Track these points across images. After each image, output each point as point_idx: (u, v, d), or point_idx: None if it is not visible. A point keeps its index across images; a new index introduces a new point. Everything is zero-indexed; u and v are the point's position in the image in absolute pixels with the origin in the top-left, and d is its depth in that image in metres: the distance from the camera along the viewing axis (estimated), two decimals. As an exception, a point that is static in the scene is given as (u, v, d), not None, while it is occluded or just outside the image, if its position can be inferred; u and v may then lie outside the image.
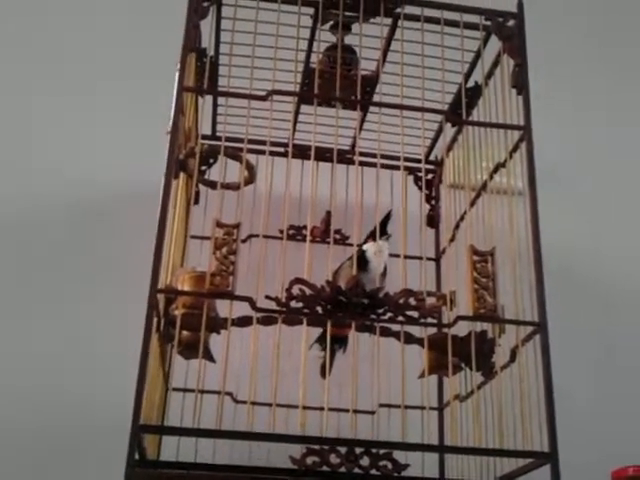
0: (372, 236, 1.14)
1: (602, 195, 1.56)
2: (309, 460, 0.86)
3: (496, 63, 1.12)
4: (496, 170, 1.12)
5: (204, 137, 1.30)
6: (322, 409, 0.91)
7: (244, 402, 0.95)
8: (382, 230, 1.13)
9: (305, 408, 0.93)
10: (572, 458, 0.93)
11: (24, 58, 1.51)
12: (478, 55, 1.14)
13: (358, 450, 0.87)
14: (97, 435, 1.20)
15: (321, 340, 1.11)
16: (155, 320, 0.91)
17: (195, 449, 1.05)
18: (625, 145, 1.61)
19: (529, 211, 1.02)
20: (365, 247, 1.16)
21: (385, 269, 1.16)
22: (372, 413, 1.12)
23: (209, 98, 1.25)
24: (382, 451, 0.88)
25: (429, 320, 0.96)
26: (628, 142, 1.62)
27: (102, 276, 1.33)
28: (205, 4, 0.99)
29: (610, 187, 1.56)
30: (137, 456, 0.84)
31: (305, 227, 1.26)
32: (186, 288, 0.99)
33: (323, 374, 1.13)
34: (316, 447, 0.86)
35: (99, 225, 1.38)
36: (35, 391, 1.24)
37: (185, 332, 0.99)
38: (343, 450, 0.87)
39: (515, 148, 1.07)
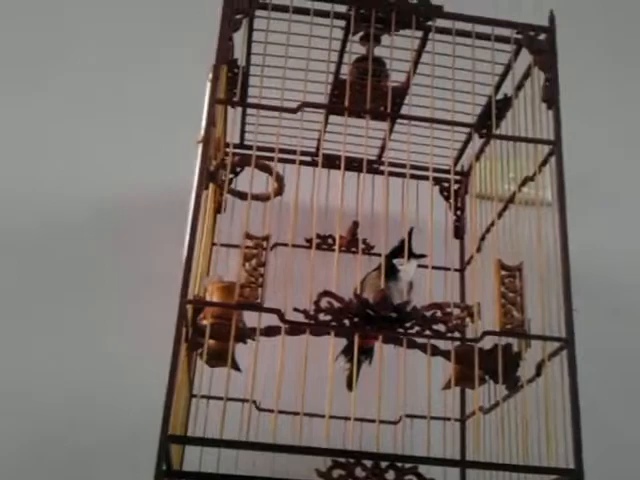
0: (400, 252, 1.14)
1: (633, 206, 1.55)
2: (335, 473, 0.86)
3: (526, 75, 1.12)
4: (524, 183, 1.12)
5: (234, 147, 1.30)
6: (348, 419, 0.92)
7: (270, 410, 0.96)
8: (409, 249, 1.13)
9: (331, 418, 0.94)
10: (598, 476, 0.93)
11: (52, 69, 1.53)
12: (508, 68, 1.14)
13: (383, 464, 0.88)
14: (123, 445, 1.22)
15: (347, 351, 1.11)
16: (184, 330, 0.92)
17: (218, 457, 1.06)
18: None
19: (558, 225, 1.02)
20: (396, 262, 1.16)
21: (412, 283, 1.17)
22: (395, 423, 1.13)
23: (239, 109, 1.25)
24: (407, 465, 0.88)
25: (456, 334, 0.97)
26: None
27: (130, 286, 1.35)
28: (238, 16, 1.00)
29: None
30: (164, 466, 0.85)
31: (330, 236, 1.27)
32: (215, 298, 1.00)
33: (349, 386, 1.13)
34: (342, 460, 0.87)
35: (128, 236, 1.40)
36: (64, 403, 1.26)
37: (211, 341, 1.00)
38: (369, 463, 0.88)
39: (544, 162, 1.07)
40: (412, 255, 1.15)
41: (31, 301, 1.34)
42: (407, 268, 1.13)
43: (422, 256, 1.15)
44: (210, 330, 0.94)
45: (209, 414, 1.07)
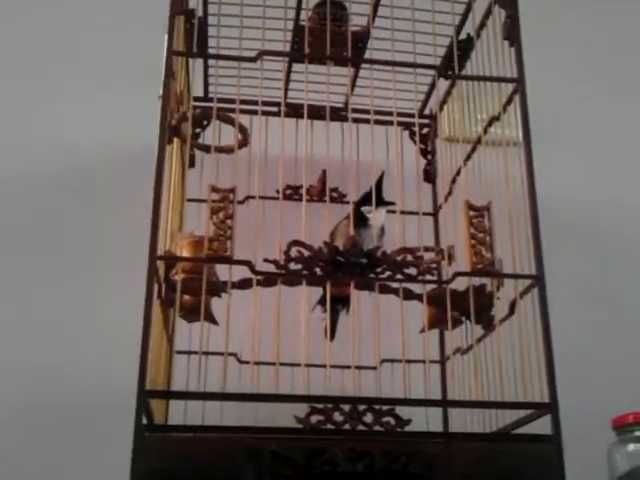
0: (369, 200, 1.14)
1: (601, 147, 1.55)
2: (313, 419, 0.87)
3: (488, 14, 1.12)
4: (490, 123, 1.12)
5: (197, 99, 1.30)
6: (324, 366, 0.93)
7: (248, 362, 0.97)
8: (378, 196, 1.13)
9: (308, 366, 0.95)
10: (573, 408, 0.95)
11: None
12: (469, 7, 1.13)
13: (361, 407, 0.89)
14: (105, 404, 1.22)
15: (323, 302, 1.12)
16: (156, 286, 0.92)
17: (202, 412, 1.07)
18: (627, 97, 1.60)
19: (524, 163, 1.02)
20: (365, 209, 1.16)
21: (383, 229, 1.17)
22: (374, 369, 1.14)
23: (200, 60, 1.24)
24: (385, 407, 0.89)
25: (427, 277, 0.97)
26: (630, 94, 1.61)
27: (100, 244, 1.35)
28: (191, -35, 0.98)
29: (609, 139, 1.56)
30: (145, 421, 0.86)
31: (301, 187, 1.27)
32: (185, 254, 1.00)
33: (328, 335, 1.14)
34: (320, 406, 0.88)
35: (95, 193, 1.39)
36: (38, 362, 1.26)
37: (186, 296, 1.00)
38: (347, 408, 0.89)
39: (509, 101, 1.07)
40: (381, 202, 1.15)
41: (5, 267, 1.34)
42: (376, 215, 1.13)
43: (391, 203, 1.15)
44: (182, 285, 0.94)
45: (191, 371, 1.08)
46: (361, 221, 1.14)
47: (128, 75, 1.44)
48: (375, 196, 1.06)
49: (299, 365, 0.95)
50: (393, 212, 1.09)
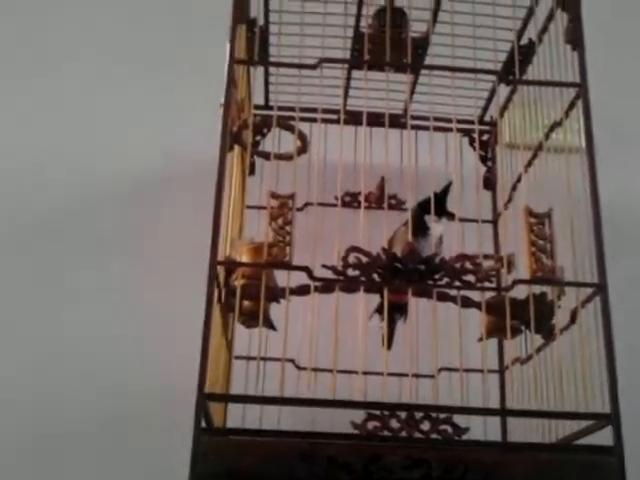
0: (429, 206, 1.13)
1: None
2: (370, 425, 0.88)
3: (550, 18, 1.11)
4: (552, 129, 1.11)
5: (257, 107, 1.31)
6: (382, 374, 0.93)
7: (305, 368, 0.98)
8: (442, 205, 1.13)
9: (365, 374, 0.95)
10: (635, 419, 0.93)
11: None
12: (531, 11, 1.12)
13: (418, 415, 0.89)
14: (165, 406, 1.24)
15: (380, 310, 1.11)
16: (217, 291, 0.94)
17: (260, 417, 1.08)
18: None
19: (587, 169, 1.01)
20: (427, 218, 1.16)
21: (442, 236, 1.17)
22: (431, 377, 1.13)
23: (261, 68, 1.26)
24: (442, 415, 0.89)
25: (486, 285, 0.97)
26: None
27: (163, 251, 1.37)
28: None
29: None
30: (204, 424, 0.87)
31: (360, 194, 1.27)
32: (245, 259, 1.02)
33: (387, 343, 1.13)
34: (377, 412, 0.88)
35: (159, 201, 1.42)
36: (101, 365, 1.29)
37: (246, 302, 1.01)
38: (403, 415, 0.89)
39: (571, 106, 1.06)
40: (444, 213, 1.15)
41: (68, 268, 1.37)
42: (436, 223, 1.13)
43: (452, 215, 1.14)
44: (241, 290, 0.96)
45: (250, 376, 1.10)
46: (420, 228, 1.13)
47: (191, 82, 1.46)
48: (438, 206, 1.05)
49: (356, 372, 0.95)
50: (452, 219, 1.09)
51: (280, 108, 1.08)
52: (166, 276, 1.35)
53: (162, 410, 1.24)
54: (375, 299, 1.09)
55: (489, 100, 1.33)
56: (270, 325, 1.03)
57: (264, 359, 1.09)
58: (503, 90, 1.23)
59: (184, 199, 1.39)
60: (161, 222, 1.39)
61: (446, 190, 1.16)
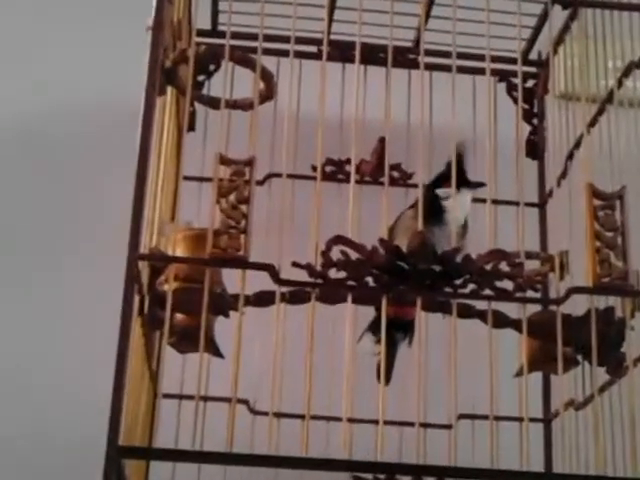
0: (446, 179, 1.14)
1: None
2: (359, 493, 0.88)
3: None
4: (627, 73, 1.12)
5: (202, 33, 1.30)
6: (376, 422, 0.93)
7: (265, 414, 0.98)
8: (460, 175, 1.13)
9: (351, 421, 0.95)
10: None
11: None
12: None
13: (428, 480, 0.89)
14: (64, 463, 1.24)
15: (376, 328, 1.12)
16: (137, 299, 0.93)
17: (198, 476, 1.08)
18: None
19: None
20: (441, 193, 1.17)
21: (466, 223, 1.17)
22: (448, 427, 1.14)
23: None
24: (462, 481, 0.89)
25: (529, 294, 0.97)
26: None
27: (60, 239, 1.38)
28: None
29: None
30: (115, 490, 0.87)
31: (349, 161, 1.27)
32: (180, 252, 1.01)
33: (380, 376, 1.13)
34: (368, 477, 0.88)
35: (56, 166, 1.42)
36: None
37: (180, 315, 1.01)
38: (407, 480, 0.89)
39: (656, 40, 1.07)
40: (464, 183, 1.15)
41: None
42: (457, 203, 1.13)
43: (480, 185, 1.14)
44: (175, 298, 0.95)
45: (184, 420, 1.10)
46: (434, 211, 1.13)
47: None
48: (456, 175, 1.05)
49: (339, 419, 0.94)
50: (481, 201, 1.09)
51: (235, 35, 1.07)
52: (67, 275, 1.36)
53: (63, 469, 1.23)
54: (369, 313, 1.09)
55: (537, 30, 1.33)
56: (215, 350, 1.03)
57: (205, 399, 1.08)
58: (558, 15, 1.23)
59: (93, 166, 1.39)
60: (58, 201, 1.40)
61: (460, 154, 1.17)
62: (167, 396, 1.10)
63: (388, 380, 1.15)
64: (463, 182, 1.15)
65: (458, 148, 1.14)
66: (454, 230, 1.06)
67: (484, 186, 1.11)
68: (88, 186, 1.39)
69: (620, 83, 1.13)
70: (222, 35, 1.06)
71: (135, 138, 0.95)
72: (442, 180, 1.17)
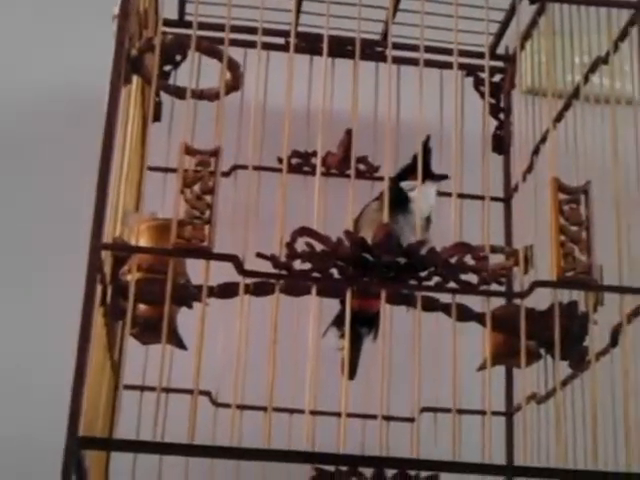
0: (411, 171, 1.14)
1: None
2: (321, 486, 0.88)
3: None
4: (594, 69, 1.12)
5: (168, 23, 1.30)
6: (339, 415, 0.93)
7: (227, 405, 0.98)
8: (425, 167, 1.14)
9: (314, 413, 0.95)
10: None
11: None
12: None
13: (390, 472, 0.89)
14: (22, 456, 1.24)
15: (341, 322, 1.11)
16: (100, 289, 0.93)
17: (159, 470, 1.08)
18: None
19: (641, 126, 1.03)
20: (406, 185, 1.17)
21: (430, 217, 1.18)
22: (411, 420, 1.14)
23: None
24: (425, 474, 0.90)
25: (493, 287, 0.97)
26: None
27: (22, 228, 1.36)
28: None
29: None
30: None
31: (315, 154, 1.27)
32: (143, 242, 1.01)
33: (347, 371, 1.13)
34: (330, 468, 0.88)
35: (23, 150, 1.41)
36: None
37: (142, 306, 1.01)
38: (369, 472, 0.89)
39: (623, 35, 1.07)
40: (428, 176, 1.15)
41: None
42: (421, 195, 1.13)
43: (443, 177, 1.15)
44: (138, 289, 0.94)
45: (146, 411, 1.10)
46: (399, 204, 1.13)
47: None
48: (421, 168, 1.06)
49: (302, 412, 0.95)
50: (447, 195, 1.09)
51: (202, 25, 1.07)
52: (28, 265, 1.35)
53: (20, 462, 1.23)
54: (333, 306, 1.10)
55: (505, 24, 1.33)
56: (177, 341, 1.03)
57: (167, 390, 1.07)
58: (526, 10, 1.24)
59: (56, 156, 1.38)
60: (23, 190, 1.39)
61: (425, 146, 1.17)
62: (128, 387, 1.10)
63: (353, 375, 1.15)
64: (427, 175, 1.15)
65: (425, 140, 1.15)
66: (418, 223, 1.06)
67: (447, 178, 1.12)
68: (45, 180, 1.39)
69: (586, 78, 1.14)
70: (189, 25, 1.07)
71: (98, 128, 0.95)
72: (407, 173, 1.17)
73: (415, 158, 1.09)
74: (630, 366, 0.97)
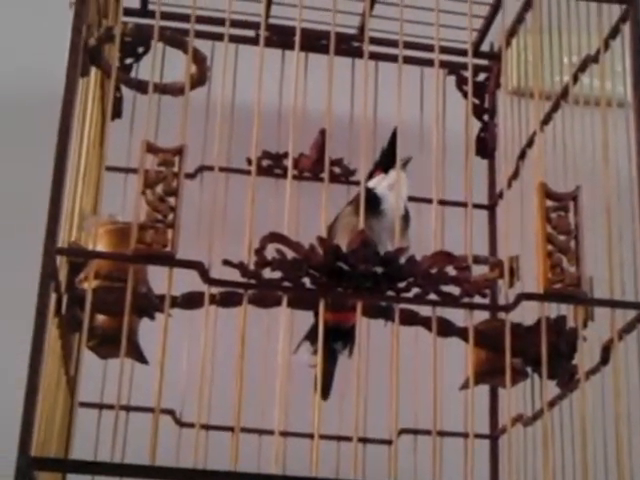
0: (381, 166, 1.15)
1: None
2: (289, 513, 0.87)
3: None
4: (583, 68, 1.13)
5: (130, 12, 1.29)
6: (311, 437, 0.93)
7: (192, 425, 0.97)
8: (391, 157, 1.14)
9: (285, 435, 0.94)
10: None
11: None
12: None
13: (365, 499, 0.89)
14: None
15: (313, 336, 1.12)
16: (54, 297, 0.92)
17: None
18: None
19: (634, 130, 1.02)
20: (372, 183, 1.17)
21: (407, 214, 1.17)
22: (388, 443, 1.14)
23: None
24: (403, 500, 0.89)
25: (477, 300, 0.97)
26: None
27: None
28: None
29: None
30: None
31: (286, 155, 1.27)
32: (101, 247, 1.00)
33: (320, 390, 1.12)
34: (302, 494, 0.88)
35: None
36: None
37: (101, 316, 1.01)
38: (342, 499, 0.89)
39: (614, 33, 1.08)
40: (391, 163, 1.15)
41: None
42: (393, 191, 1.13)
43: (407, 161, 1.16)
44: (95, 298, 0.93)
45: (104, 429, 1.09)
46: (371, 207, 1.13)
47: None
48: (383, 159, 1.06)
49: (271, 432, 0.95)
50: (428, 201, 1.09)
51: (166, 15, 1.07)
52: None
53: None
54: (306, 318, 1.09)
55: (490, 20, 1.34)
56: (138, 355, 1.03)
57: (127, 409, 1.07)
58: (512, 6, 1.24)
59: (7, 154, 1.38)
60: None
61: (393, 140, 1.18)
62: (85, 405, 1.09)
63: (326, 394, 1.15)
64: (390, 163, 1.16)
65: (393, 132, 1.16)
66: (395, 227, 1.05)
67: (411, 159, 1.13)
68: (6, 175, 1.37)
69: (576, 79, 1.14)
70: (152, 15, 1.06)
71: (52, 124, 0.94)
72: (373, 171, 1.19)
73: (382, 153, 1.11)
74: (622, 385, 0.97)
